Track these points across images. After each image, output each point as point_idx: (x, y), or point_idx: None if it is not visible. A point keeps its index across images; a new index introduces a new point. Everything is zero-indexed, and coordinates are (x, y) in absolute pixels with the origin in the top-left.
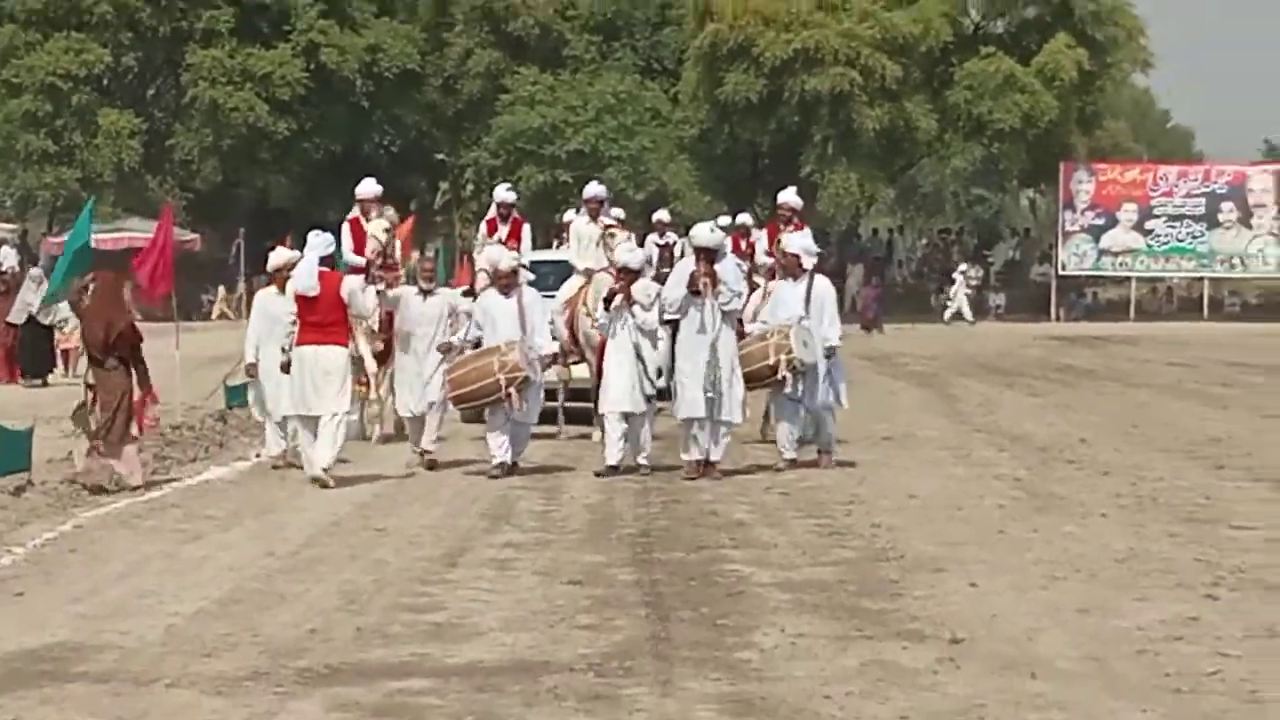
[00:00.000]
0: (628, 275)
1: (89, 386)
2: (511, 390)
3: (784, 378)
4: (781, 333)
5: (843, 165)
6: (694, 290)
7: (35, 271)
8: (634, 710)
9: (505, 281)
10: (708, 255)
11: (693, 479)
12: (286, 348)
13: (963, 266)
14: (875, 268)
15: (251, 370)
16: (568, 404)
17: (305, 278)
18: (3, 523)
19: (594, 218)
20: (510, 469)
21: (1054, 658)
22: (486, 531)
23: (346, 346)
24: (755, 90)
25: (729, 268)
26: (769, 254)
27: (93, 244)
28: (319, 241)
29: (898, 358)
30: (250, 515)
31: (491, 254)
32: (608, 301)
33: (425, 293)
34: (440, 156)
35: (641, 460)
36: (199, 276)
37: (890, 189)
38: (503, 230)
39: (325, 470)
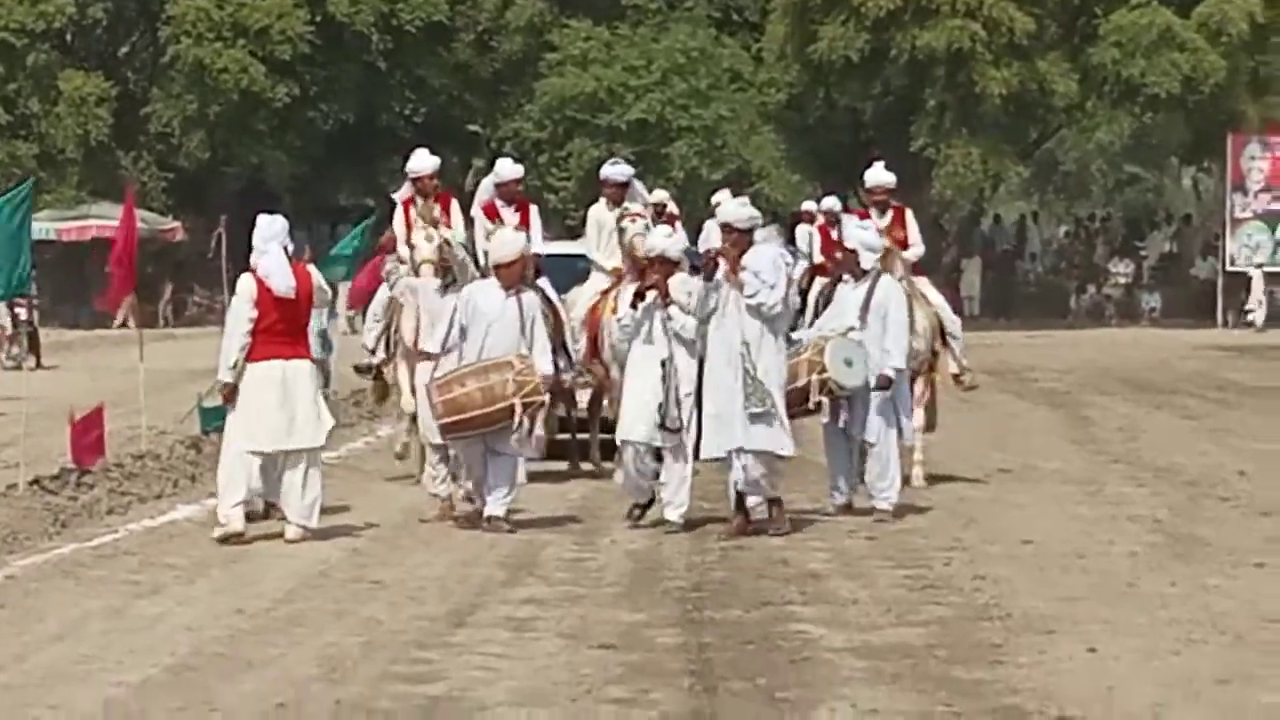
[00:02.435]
0: (664, 266)
1: None
2: (525, 418)
3: (818, 404)
4: (817, 347)
5: (962, 137)
6: (707, 274)
7: None
8: None
9: (510, 276)
10: (737, 237)
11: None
12: (233, 364)
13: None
14: (1001, 262)
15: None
16: (602, 435)
17: (282, 277)
18: None
19: (615, 203)
20: (492, 521)
21: None
22: (504, 584)
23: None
24: (856, 47)
25: (764, 255)
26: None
27: (49, 234)
28: (274, 228)
29: (1025, 372)
30: (219, 564)
31: (503, 236)
32: (638, 298)
33: (447, 286)
34: (473, 128)
35: (671, 515)
36: (182, 273)
37: (1021, 167)
38: (508, 216)
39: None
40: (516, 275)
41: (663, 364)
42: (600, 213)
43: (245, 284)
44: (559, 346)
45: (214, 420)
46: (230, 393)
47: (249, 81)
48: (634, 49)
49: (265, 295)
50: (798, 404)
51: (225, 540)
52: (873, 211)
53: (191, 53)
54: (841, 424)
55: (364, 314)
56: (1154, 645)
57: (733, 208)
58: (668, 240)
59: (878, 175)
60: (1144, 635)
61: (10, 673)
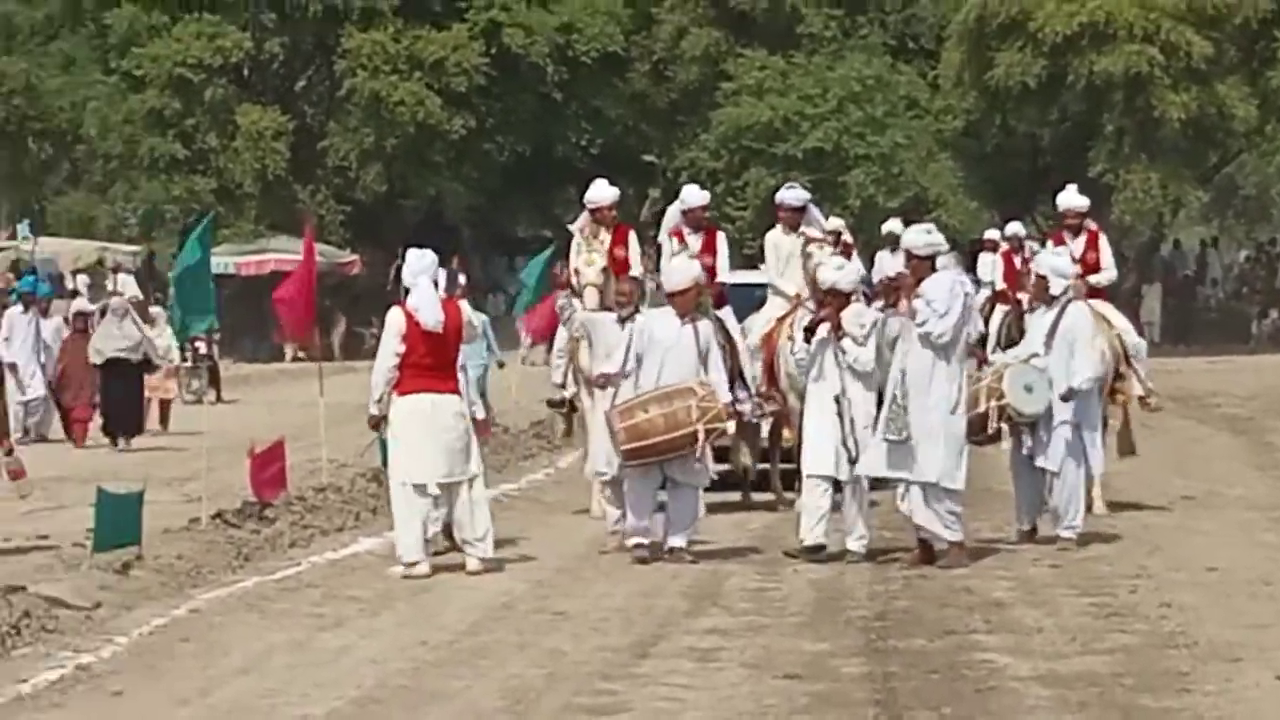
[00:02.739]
0: (836, 299)
1: None
2: (707, 445)
3: (996, 430)
4: (997, 374)
5: (1141, 163)
6: (886, 303)
7: (116, 303)
8: None
9: (684, 303)
10: (916, 263)
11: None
12: (378, 398)
13: None
14: (1181, 288)
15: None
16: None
17: (431, 310)
18: (105, 606)
19: (792, 228)
20: (670, 554)
21: None
22: (687, 615)
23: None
24: (1033, 73)
25: (940, 283)
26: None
27: (228, 268)
28: (424, 263)
29: (1207, 398)
30: (403, 596)
31: (677, 264)
32: (809, 332)
33: (624, 320)
34: (649, 158)
35: (853, 545)
36: (358, 306)
37: (1201, 191)
38: (694, 242)
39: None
40: (690, 302)
41: (836, 400)
42: (777, 238)
43: (394, 317)
44: (736, 376)
45: None
46: (376, 423)
47: (425, 114)
48: (809, 77)
49: (414, 329)
50: (978, 430)
51: (408, 576)
52: (1066, 235)
53: (368, 86)
54: (1025, 451)
55: (549, 349)
56: None
57: (912, 234)
58: (839, 273)
59: (1070, 198)
60: None
61: (195, 706)
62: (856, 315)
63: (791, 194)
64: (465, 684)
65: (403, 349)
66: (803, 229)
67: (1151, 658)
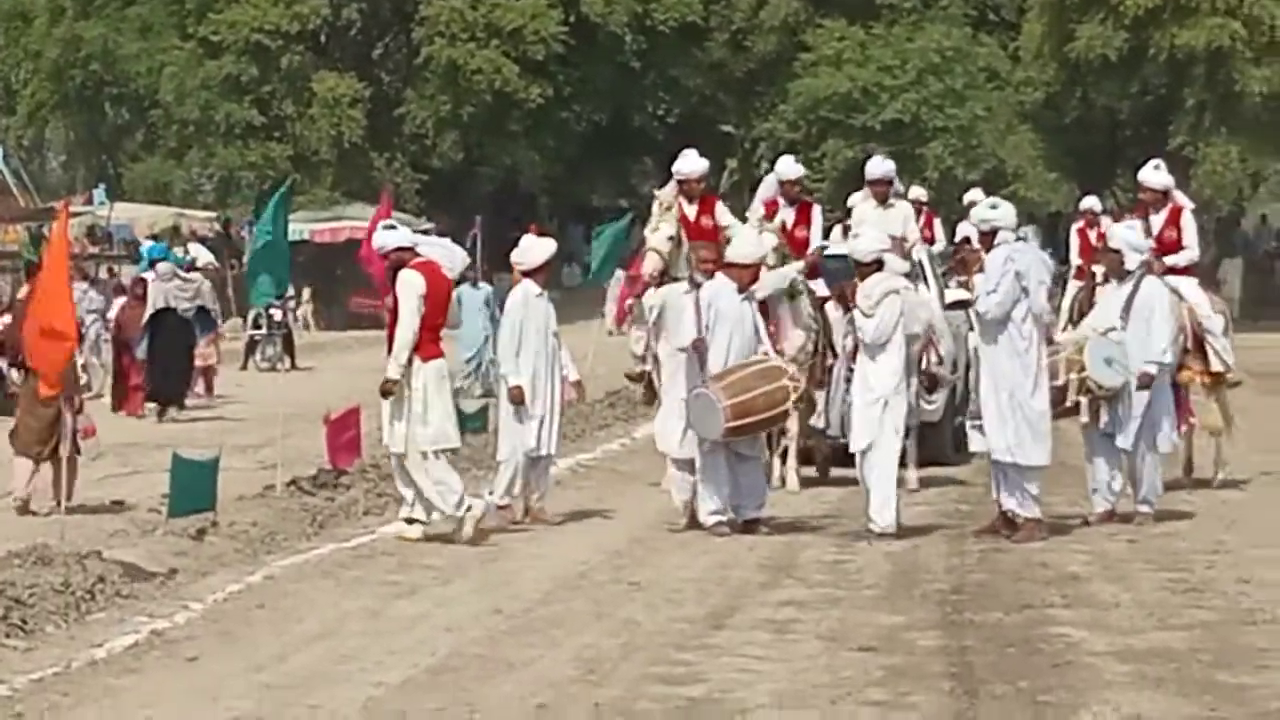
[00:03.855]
0: (861, 269)
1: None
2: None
3: (1075, 404)
4: (1077, 345)
5: (1221, 136)
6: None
7: (164, 267)
8: None
9: (746, 276)
10: (981, 238)
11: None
12: (403, 362)
13: None
14: (1262, 263)
15: (518, 395)
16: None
17: (449, 256)
18: (181, 573)
19: (881, 201)
20: (748, 527)
21: None
22: (763, 586)
23: None
24: (1114, 46)
25: (994, 258)
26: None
27: (303, 235)
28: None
29: None
30: (477, 565)
31: (747, 236)
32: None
33: (698, 285)
34: (727, 128)
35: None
36: None
37: None
38: (787, 214)
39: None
40: (752, 277)
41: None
42: (866, 210)
43: (413, 279)
44: (827, 350)
45: (471, 422)
46: (393, 389)
47: (502, 82)
48: (888, 48)
49: (435, 289)
50: (1057, 403)
51: (474, 541)
52: (1148, 210)
53: (445, 53)
54: (1103, 426)
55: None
56: None
57: (978, 209)
58: (856, 242)
59: (1151, 175)
60: None
61: (271, 672)
62: (868, 288)
63: (886, 165)
64: (539, 653)
65: (424, 310)
66: (892, 199)
67: (1229, 634)
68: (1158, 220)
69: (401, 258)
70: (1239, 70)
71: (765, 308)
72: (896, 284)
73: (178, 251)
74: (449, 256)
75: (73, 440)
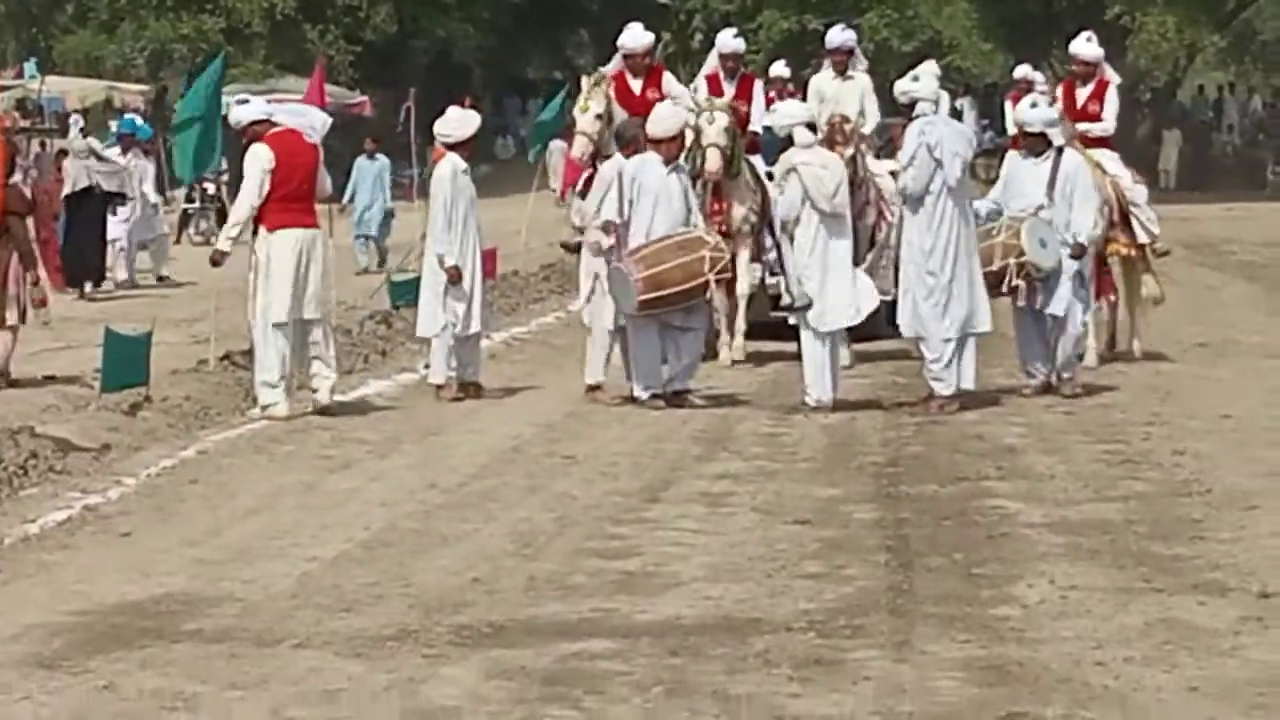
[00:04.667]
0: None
1: None
2: (714, 289)
3: (1016, 288)
4: (1012, 230)
5: (1158, 6)
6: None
7: (79, 144)
8: (859, 679)
9: (670, 150)
10: (903, 109)
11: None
12: (232, 236)
13: None
14: (1197, 134)
15: (456, 275)
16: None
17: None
18: (114, 448)
19: (840, 73)
20: (677, 398)
21: None
22: (698, 459)
23: None
24: None
25: (908, 134)
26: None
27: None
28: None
29: (1222, 245)
30: (412, 439)
31: (662, 111)
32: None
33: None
34: (662, 1)
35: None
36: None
37: (1218, 37)
38: (729, 89)
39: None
40: (677, 150)
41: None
42: (823, 82)
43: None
44: (765, 225)
45: (404, 295)
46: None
47: None
48: None
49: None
50: (993, 287)
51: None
52: (1075, 83)
53: None
54: (1038, 305)
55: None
56: None
57: (900, 83)
58: (774, 117)
59: (1082, 47)
60: None
61: (205, 547)
62: (781, 164)
63: (845, 35)
64: (474, 527)
65: (273, 182)
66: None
67: (1165, 506)
68: (1084, 92)
69: (256, 131)
70: None
71: (720, 186)
72: (799, 158)
73: (110, 125)
74: (309, 123)
75: (20, 310)
